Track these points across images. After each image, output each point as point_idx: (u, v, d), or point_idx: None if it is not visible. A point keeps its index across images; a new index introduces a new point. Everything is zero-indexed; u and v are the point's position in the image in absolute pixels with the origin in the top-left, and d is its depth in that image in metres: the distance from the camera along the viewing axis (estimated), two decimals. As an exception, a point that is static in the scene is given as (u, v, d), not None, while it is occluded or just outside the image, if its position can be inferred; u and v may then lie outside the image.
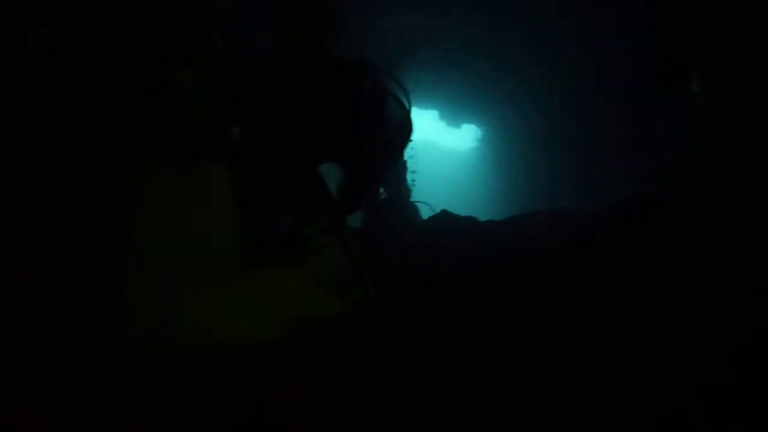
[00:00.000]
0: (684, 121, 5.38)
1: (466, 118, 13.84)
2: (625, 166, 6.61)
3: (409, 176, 7.68)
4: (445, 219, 3.79)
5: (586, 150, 8.12)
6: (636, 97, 6.88)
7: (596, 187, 7.73)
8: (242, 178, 1.72)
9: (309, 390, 1.85)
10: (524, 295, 3.21)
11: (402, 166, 6.84)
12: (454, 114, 13.70)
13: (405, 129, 3.54)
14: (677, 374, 2.54)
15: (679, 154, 4.26)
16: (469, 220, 3.80)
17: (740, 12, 3.98)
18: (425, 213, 5.72)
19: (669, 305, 2.93)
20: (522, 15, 9.03)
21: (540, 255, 3.38)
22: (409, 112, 3.42)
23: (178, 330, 1.40)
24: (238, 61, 2.16)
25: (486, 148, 14.22)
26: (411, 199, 6.30)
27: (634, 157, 6.44)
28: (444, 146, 16.68)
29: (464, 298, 3.25)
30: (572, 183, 8.55)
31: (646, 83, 5.99)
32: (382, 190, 6.59)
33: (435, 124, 14.35)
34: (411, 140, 3.21)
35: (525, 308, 3.10)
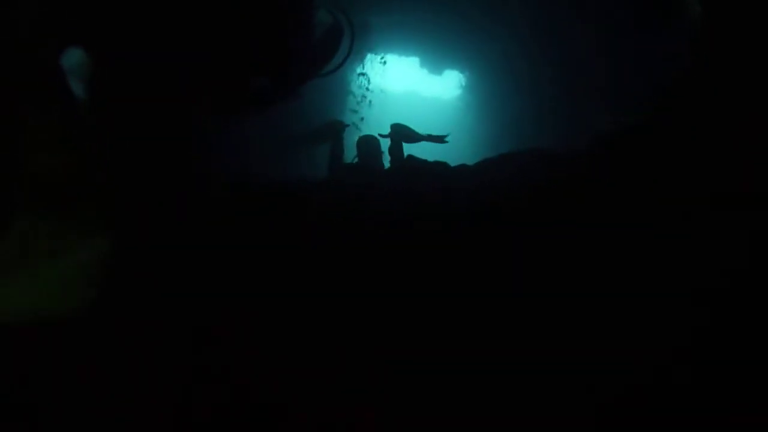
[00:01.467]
0: (675, 43, 4.93)
1: (448, 64, 13.19)
2: (613, 105, 6.16)
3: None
4: (411, 164, 3.34)
5: (574, 92, 7.63)
6: (625, 31, 6.36)
7: (584, 131, 7.28)
8: None
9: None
10: (499, 247, 2.82)
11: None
12: (435, 60, 13.05)
13: (332, 37, 3.38)
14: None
15: (665, 79, 3.81)
16: (439, 165, 3.35)
17: None
18: None
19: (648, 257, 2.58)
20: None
21: (516, 201, 2.96)
22: (340, 21, 3.36)
23: None
24: None
25: (469, 95, 13.63)
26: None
27: (623, 94, 5.97)
28: (427, 96, 16.03)
29: (433, 250, 2.86)
30: (559, 129, 8.10)
31: (635, 11, 5.47)
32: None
33: (416, 72, 13.69)
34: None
35: (501, 260, 2.72)
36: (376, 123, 15.52)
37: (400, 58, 13.10)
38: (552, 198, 3.02)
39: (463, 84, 13.77)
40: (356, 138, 6.13)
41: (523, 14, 9.35)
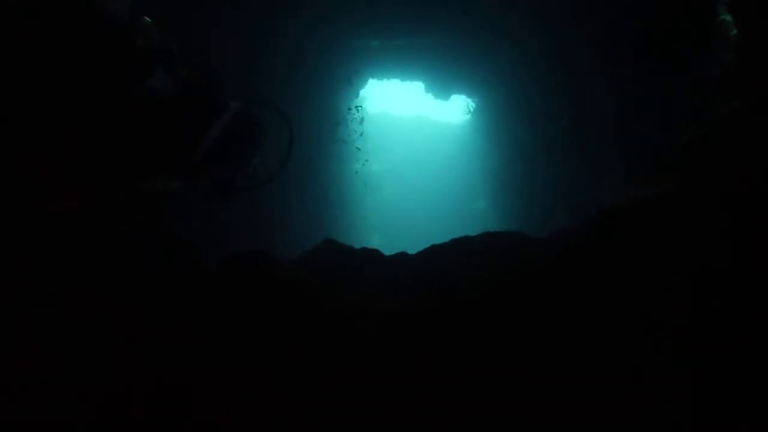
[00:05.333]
0: (703, 84, 3.96)
1: (455, 89, 12.31)
2: (626, 149, 5.19)
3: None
4: (330, 253, 2.43)
5: (586, 133, 6.64)
6: (644, 76, 5.35)
7: (595, 174, 6.30)
8: None
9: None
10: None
11: None
12: (441, 84, 12.19)
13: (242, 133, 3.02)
14: None
15: (685, 138, 2.85)
16: (367, 254, 2.44)
17: None
18: None
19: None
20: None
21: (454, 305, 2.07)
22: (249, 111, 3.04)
23: None
24: None
25: (478, 121, 12.70)
26: None
27: (637, 142, 5.01)
28: (436, 121, 15.17)
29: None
30: (570, 168, 7.11)
31: (656, 54, 4.50)
32: None
33: (422, 97, 12.87)
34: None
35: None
36: (378, 148, 14.70)
37: (404, 83, 12.29)
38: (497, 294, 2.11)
39: (472, 109, 12.87)
40: None
41: (533, 37, 8.45)
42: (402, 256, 2.46)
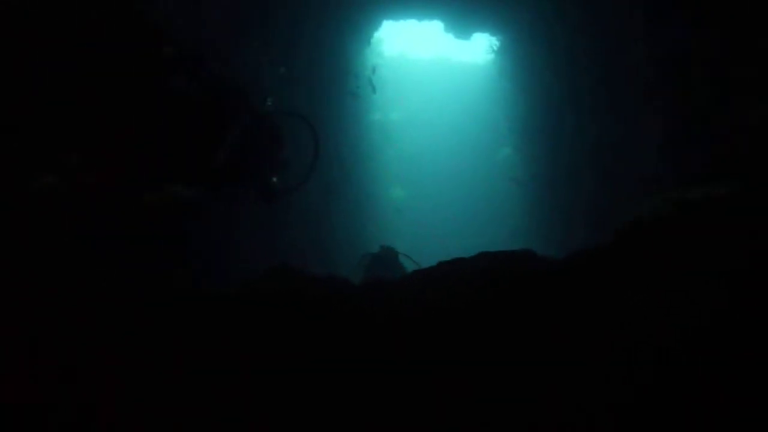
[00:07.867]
0: None
1: (476, 27, 11.36)
2: (665, 110, 4.49)
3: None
4: (278, 285, 1.99)
5: (617, 84, 5.85)
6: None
7: (627, 132, 5.58)
8: None
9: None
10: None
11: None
12: (461, 23, 11.25)
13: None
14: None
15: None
16: (330, 285, 1.99)
17: None
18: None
19: None
20: None
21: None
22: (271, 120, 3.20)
23: None
24: None
25: (502, 61, 11.77)
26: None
27: (680, 104, 4.29)
28: (459, 62, 14.20)
29: None
30: (598, 121, 6.39)
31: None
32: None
33: (441, 38, 11.94)
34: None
35: None
36: (396, 95, 13.92)
37: (422, 23, 11.39)
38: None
39: (495, 48, 11.92)
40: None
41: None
42: (378, 288, 2.00)
